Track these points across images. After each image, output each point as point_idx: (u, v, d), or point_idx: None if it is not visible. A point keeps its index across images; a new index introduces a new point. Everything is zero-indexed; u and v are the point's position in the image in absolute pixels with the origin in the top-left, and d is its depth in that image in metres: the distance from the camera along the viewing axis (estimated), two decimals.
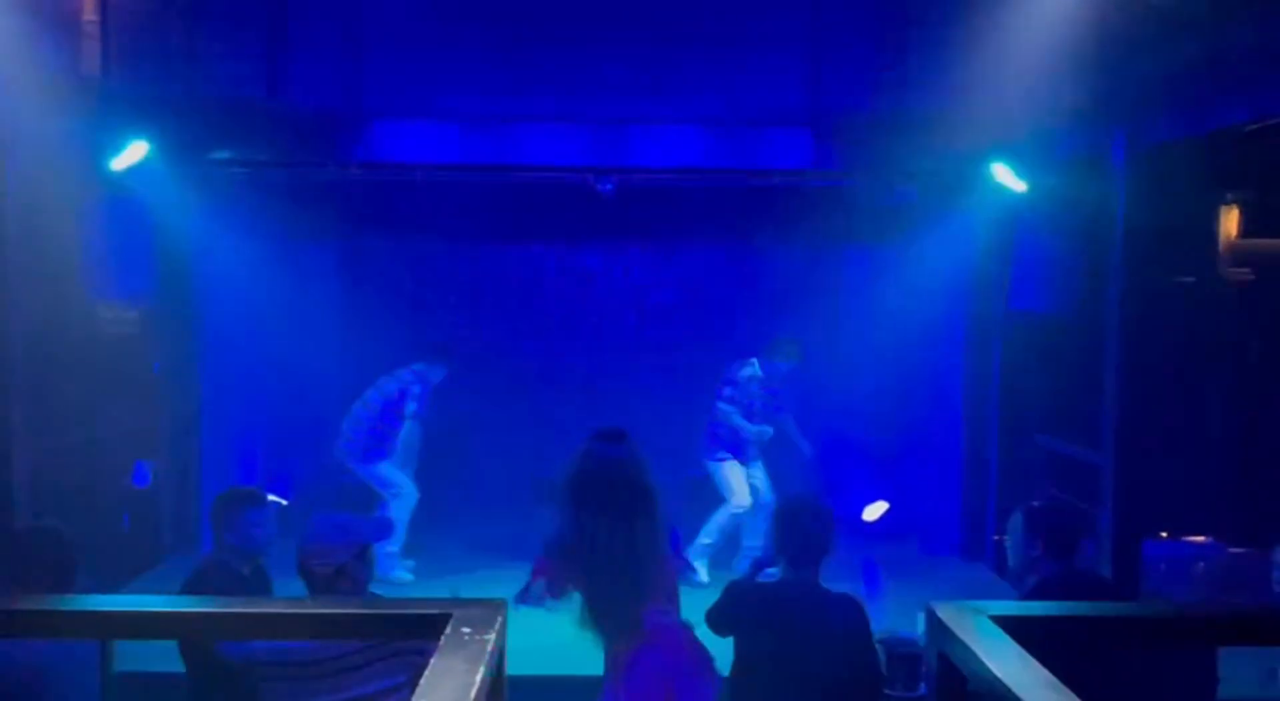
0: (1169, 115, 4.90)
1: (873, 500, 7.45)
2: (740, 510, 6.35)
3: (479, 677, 1.45)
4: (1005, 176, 5.86)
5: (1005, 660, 1.55)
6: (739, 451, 6.49)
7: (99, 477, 6.26)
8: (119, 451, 6.31)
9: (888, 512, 7.54)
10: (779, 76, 6.11)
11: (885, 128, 6.11)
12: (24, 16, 4.77)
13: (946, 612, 1.73)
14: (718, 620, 3.39)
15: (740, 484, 6.39)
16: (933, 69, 6.15)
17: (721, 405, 6.46)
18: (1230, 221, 6.22)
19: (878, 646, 3.37)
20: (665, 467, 8.88)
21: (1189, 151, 5.08)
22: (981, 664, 1.55)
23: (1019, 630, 1.68)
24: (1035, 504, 3.34)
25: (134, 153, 5.55)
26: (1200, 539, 5.47)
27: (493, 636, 1.60)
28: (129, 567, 6.19)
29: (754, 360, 6.49)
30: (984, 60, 5.70)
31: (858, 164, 6.25)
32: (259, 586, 3.60)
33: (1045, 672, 1.51)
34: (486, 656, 1.52)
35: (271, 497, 4.11)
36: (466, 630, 1.62)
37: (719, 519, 6.40)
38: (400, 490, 6.46)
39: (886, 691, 3.41)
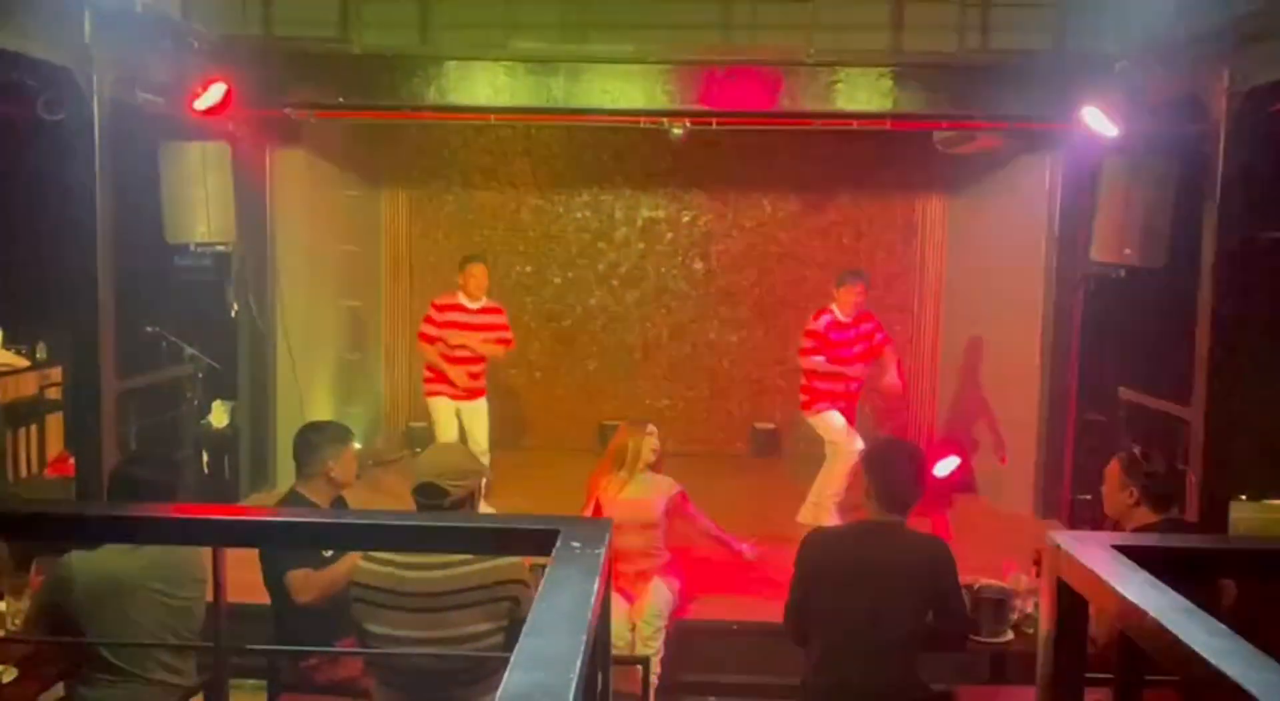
0: (1275, 54, 4.66)
1: (944, 455, 7.35)
2: (854, 457, 6.17)
3: (595, 587, 1.44)
4: (1095, 121, 5.64)
5: (1136, 585, 1.49)
6: (831, 400, 6.36)
7: (178, 417, 6.40)
8: (198, 392, 6.43)
9: (959, 468, 7.44)
10: (859, 16, 5.93)
11: (969, 71, 5.92)
12: None
13: (1068, 541, 1.68)
14: (800, 567, 3.34)
15: (847, 429, 6.26)
16: (1020, 7, 5.93)
17: (802, 359, 6.37)
18: None
19: (964, 591, 3.32)
20: (731, 418, 8.85)
21: None
22: (1111, 590, 1.50)
23: (1141, 560, 1.62)
24: (1135, 451, 3.25)
25: (213, 94, 5.59)
26: None
27: (603, 550, 1.59)
28: None
29: (832, 306, 6.38)
30: None
31: (940, 109, 6.07)
32: None
33: (1178, 596, 1.46)
34: (600, 569, 1.51)
35: None
36: (576, 544, 1.61)
37: (839, 471, 6.22)
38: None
39: (973, 635, 3.37)
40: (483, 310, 6.56)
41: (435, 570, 2.96)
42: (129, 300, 5.46)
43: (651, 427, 4.82)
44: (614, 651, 5.60)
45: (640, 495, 4.66)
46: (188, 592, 3.11)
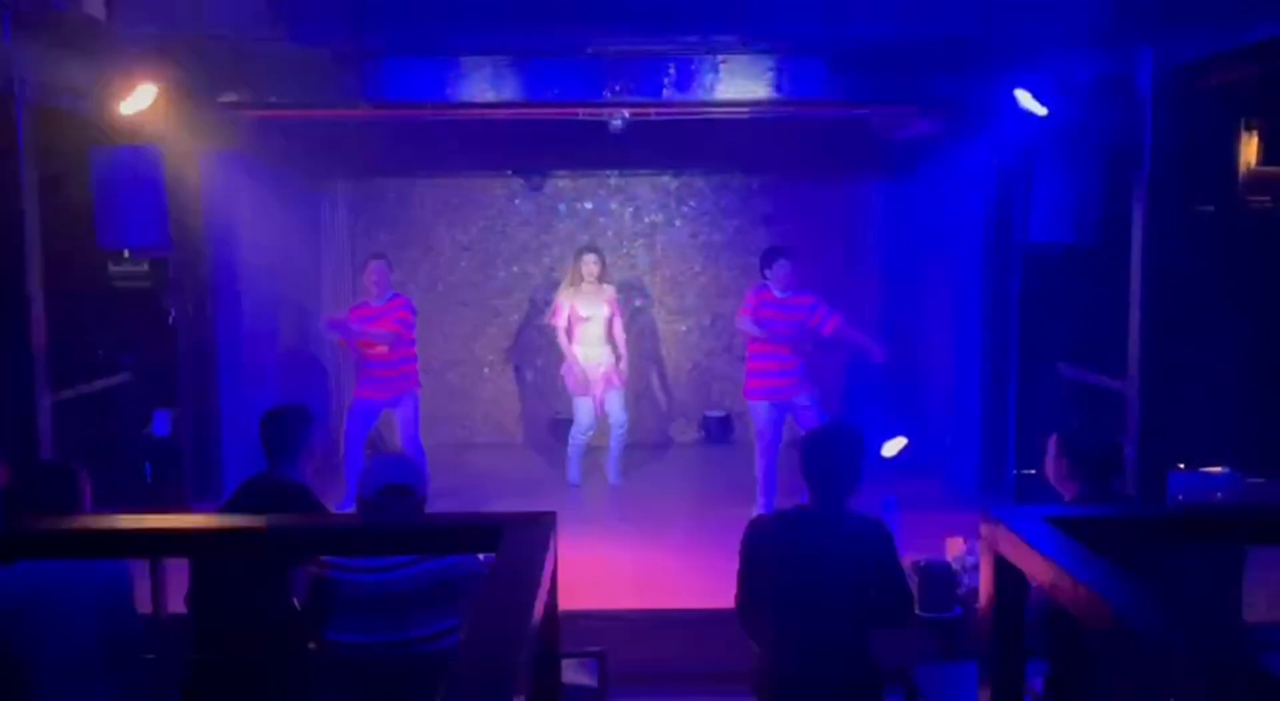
0: (1198, 31, 4.78)
1: (891, 436, 7.44)
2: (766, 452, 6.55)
3: (541, 582, 1.44)
4: (1027, 102, 5.73)
5: (1066, 555, 1.53)
6: (763, 384, 6.55)
7: (120, 428, 6.28)
8: (139, 401, 6.32)
9: (906, 448, 7.53)
10: (794, 3, 5.97)
11: (904, 55, 5.98)
12: None
13: (1002, 515, 1.72)
14: (745, 556, 3.36)
15: (766, 422, 6.55)
16: None
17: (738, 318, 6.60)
18: (1250, 149, 6.13)
19: (910, 570, 3.37)
20: (682, 407, 8.88)
21: (1215, 71, 4.97)
22: (1043, 559, 1.54)
23: (1071, 531, 1.67)
24: (1071, 427, 3.32)
25: (143, 96, 5.47)
26: (1218, 469, 5.44)
27: (548, 546, 1.59)
28: None
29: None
30: None
31: (875, 94, 6.13)
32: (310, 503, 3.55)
33: (1106, 565, 1.50)
34: (545, 565, 1.52)
35: None
36: (520, 541, 1.61)
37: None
38: None
39: (920, 613, 3.42)
40: (388, 304, 6.71)
41: (392, 571, 2.93)
42: (63, 310, 5.34)
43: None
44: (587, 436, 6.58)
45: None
46: (119, 598, 3.01)
